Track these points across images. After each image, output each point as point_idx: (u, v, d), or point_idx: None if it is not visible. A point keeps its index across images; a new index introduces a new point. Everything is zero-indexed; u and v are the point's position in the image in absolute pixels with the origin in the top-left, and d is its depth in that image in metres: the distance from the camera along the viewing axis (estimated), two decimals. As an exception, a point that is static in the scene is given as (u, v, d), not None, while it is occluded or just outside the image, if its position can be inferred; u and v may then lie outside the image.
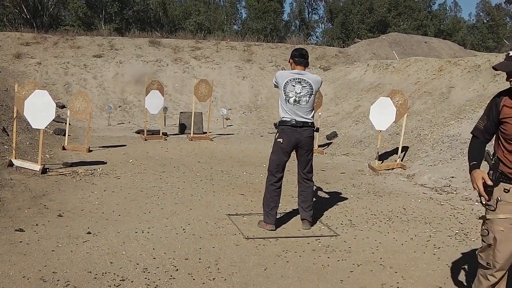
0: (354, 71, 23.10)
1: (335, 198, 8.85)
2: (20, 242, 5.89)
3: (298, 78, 6.68)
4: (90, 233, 6.35)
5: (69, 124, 14.08)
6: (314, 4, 72.59)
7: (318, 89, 6.87)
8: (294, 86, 6.64)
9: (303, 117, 6.64)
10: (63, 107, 19.18)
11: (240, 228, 6.83)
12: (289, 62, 7.00)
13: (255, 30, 51.53)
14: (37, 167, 9.75)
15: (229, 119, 21.50)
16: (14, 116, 10.16)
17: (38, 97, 9.93)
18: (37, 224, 6.62)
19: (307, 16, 72.57)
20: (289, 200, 8.34)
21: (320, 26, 73.24)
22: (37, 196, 8.07)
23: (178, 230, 6.65)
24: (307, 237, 6.61)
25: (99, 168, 10.65)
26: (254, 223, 7.11)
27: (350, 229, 7.04)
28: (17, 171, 9.47)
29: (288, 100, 6.64)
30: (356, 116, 17.53)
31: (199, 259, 5.61)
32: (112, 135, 16.47)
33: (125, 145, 14.21)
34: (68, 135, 13.91)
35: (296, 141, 6.67)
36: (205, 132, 17.08)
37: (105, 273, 5.09)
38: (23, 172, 9.48)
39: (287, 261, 5.66)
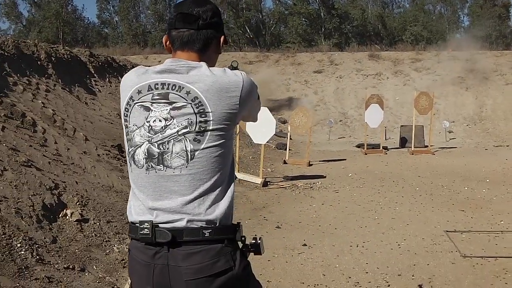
0: None
1: None
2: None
3: (162, 84, 2.09)
4: (306, 245, 6.50)
5: (290, 138, 14.57)
6: (544, 5, 67.57)
7: (236, 107, 2.15)
8: (147, 107, 2.10)
9: (171, 206, 2.12)
10: (284, 122, 19.90)
11: (458, 245, 6.53)
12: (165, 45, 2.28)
13: (478, 38, 49.24)
14: (259, 180, 10.22)
15: (452, 131, 20.73)
16: (237, 132, 10.74)
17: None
18: (256, 235, 6.90)
19: (536, 20, 67.73)
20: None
21: (553, 30, 67.94)
22: (257, 208, 8.45)
23: (393, 245, 6.55)
24: (531, 258, 6.15)
25: (318, 182, 10.87)
26: (473, 240, 6.77)
27: None
28: (240, 183, 10.01)
29: (133, 156, 2.16)
30: None
31: (412, 275, 5.47)
32: (332, 149, 16.72)
33: (345, 159, 14.34)
34: (289, 150, 14.38)
35: None
36: (427, 146, 16.65)
37: (317, 285, 5.18)
38: (245, 185, 10.00)
39: (506, 283, 5.27)
